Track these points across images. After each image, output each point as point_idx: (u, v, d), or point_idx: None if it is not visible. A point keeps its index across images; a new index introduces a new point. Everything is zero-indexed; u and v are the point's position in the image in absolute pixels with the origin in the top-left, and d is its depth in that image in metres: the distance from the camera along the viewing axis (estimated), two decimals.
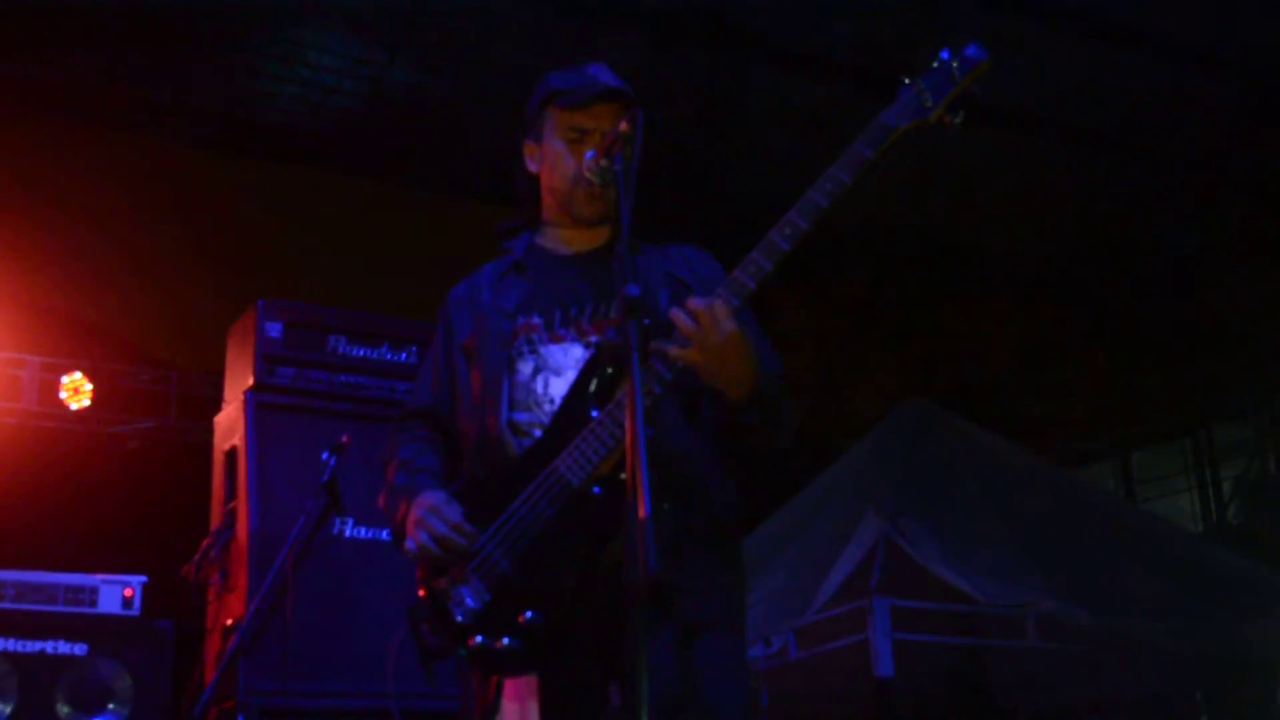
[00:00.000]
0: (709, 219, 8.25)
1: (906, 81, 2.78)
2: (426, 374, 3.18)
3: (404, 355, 5.25)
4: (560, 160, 3.01)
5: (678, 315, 2.62)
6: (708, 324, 2.60)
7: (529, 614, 2.65)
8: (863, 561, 6.70)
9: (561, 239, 3.10)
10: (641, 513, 2.20)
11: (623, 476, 2.69)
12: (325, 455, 4.69)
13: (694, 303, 2.63)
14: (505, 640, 2.67)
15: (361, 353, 5.16)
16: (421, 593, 2.82)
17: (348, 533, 4.86)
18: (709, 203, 8.85)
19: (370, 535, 4.90)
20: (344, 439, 4.68)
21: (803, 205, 2.69)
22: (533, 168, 3.13)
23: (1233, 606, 7.10)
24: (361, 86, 8.00)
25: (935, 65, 2.77)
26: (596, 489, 2.68)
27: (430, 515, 2.76)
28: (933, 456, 7.75)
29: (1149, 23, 7.79)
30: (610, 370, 2.78)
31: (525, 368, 2.92)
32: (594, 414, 2.72)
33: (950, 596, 6.58)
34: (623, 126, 2.75)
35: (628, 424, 2.31)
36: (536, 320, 2.95)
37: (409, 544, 2.80)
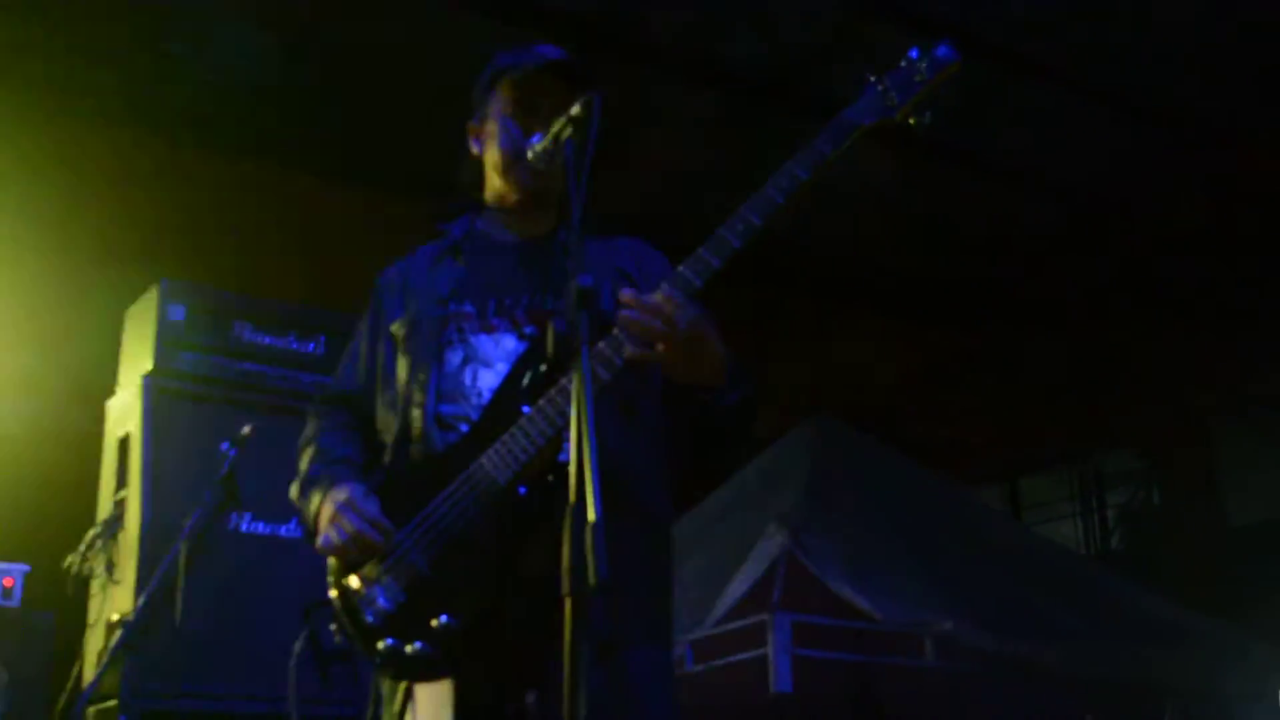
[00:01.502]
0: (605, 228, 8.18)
1: (871, 79, 2.72)
2: (351, 357, 3.04)
3: (310, 345, 5.09)
4: (506, 136, 2.90)
5: (629, 313, 2.50)
6: (669, 315, 2.49)
7: (443, 617, 2.51)
8: (763, 576, 6.66)
9: (503, 223, 2.98)
10: (592, 516, 2.08)
11: (550, 479, 2.59)
12: (225, 446, 4.50)
13: (648, 299, 2.51)
14: (417, 644, 2.52)
15: (267, 341, 4.99)
16: (332, 591, 2.67)
17: (245, 528, 4.69)
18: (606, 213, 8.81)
19: (268, 531, 4.74)
20: (246, 430, 4.50)
21: (757, 202, 2.60)
22: (477, 148, 3.02)
23: (1123, 631, 7.20)
24: (273, 72, 7.79)
25: (902, 64, 2.72)
26: (522, 489, 2.56)
27: (346, 510, 2.62)
28: (835, 473, 7.74)
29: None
30: (545, 364, 2.66)
31: (454, 358, 2.78)
32: (524, 409, 2.59)
33: (850, 614, 6.57)
34: (574, 110, 2.60)
35: (574, 421, 2.19)
36: (469, 308, 2.83)
37: (323, 539, 2.66)
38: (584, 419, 2.17)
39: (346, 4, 7.26)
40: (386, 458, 2.82)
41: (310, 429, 2.99)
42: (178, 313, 4.80)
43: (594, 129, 2.56)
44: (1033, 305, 10.67)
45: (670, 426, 2.82)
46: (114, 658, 4.21)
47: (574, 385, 2.21)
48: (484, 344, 2.78)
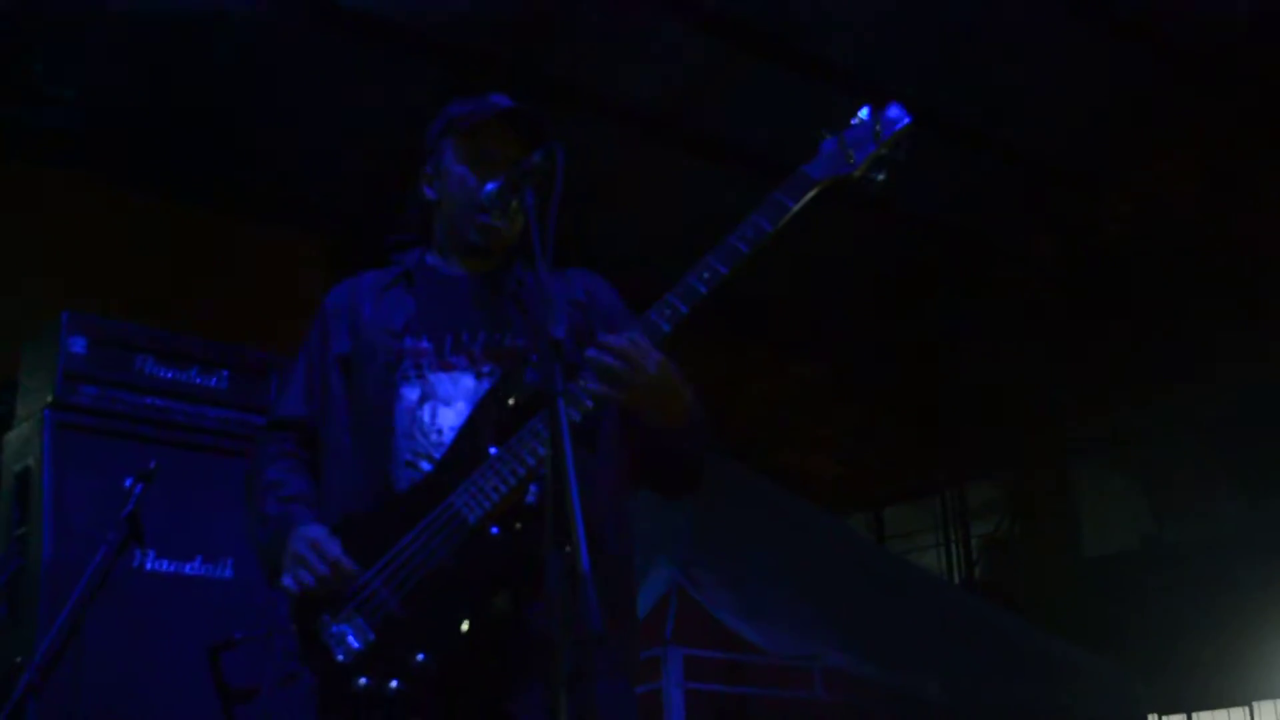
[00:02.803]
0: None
1: (826, 136, 2.81)
2: (297, 382, 2.99)
3: (214, 380, 4.97)
4: (459, 184, 2.92)
5: (598, 356, 2.55)
6: (638, 359, 2.54)
7: (420, 656, 2.52)
8: (654, 610, 6.70)
9: (455, 260, 2.99)
10: (583, 567, 2.09)
11: (518, 526, 2.61)
12: (129, 482, 4.41)
13: (615, 341, 2.56)
14: (394, 683, 2.52)
15: (170, 375, 4.87)
16: (297, 630, 2.65)
17: (149, 566, 4.56)
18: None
19: (173, 569, 4.61)
20: (151, 465, 4.42)
21: (722, 251, 2.67)
22: (430, 195, 3.02)
23: (1001, 661, 7.39)
24: (141, 97, 7.63)
25: (856, 122, 2.81)
26: (494, 529, 2.57)
27: (310, 551, 2.61)
28: (720, 505, 7.79)
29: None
30: (512, 404, 2.68)
31: (411, 394, 2.78)
32: (492, 450, 2.61)
33: (740, 647, 6.64)
34: (536, 159, 2.64)
35: (551, 471, 2.22)
36: (426, 345, 2.83)
37: (287, 580, 2.63)
38: (564, 470, 2.19)
39: (230, 33, 7.19)
40: (341, 493, 2.79)
41: (258, 459, 2.95)
42: (79, 345, 4.67)
43: (559, 179, 2.60)
44: (897, 337, 10.92)
45: (628, 459, 2.85)
46: (17, 702, 4.08)
47: (550, 435, 2.24)
48: (442, 382, 2.79)
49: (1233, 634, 8.54)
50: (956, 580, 11.31)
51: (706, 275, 2.64)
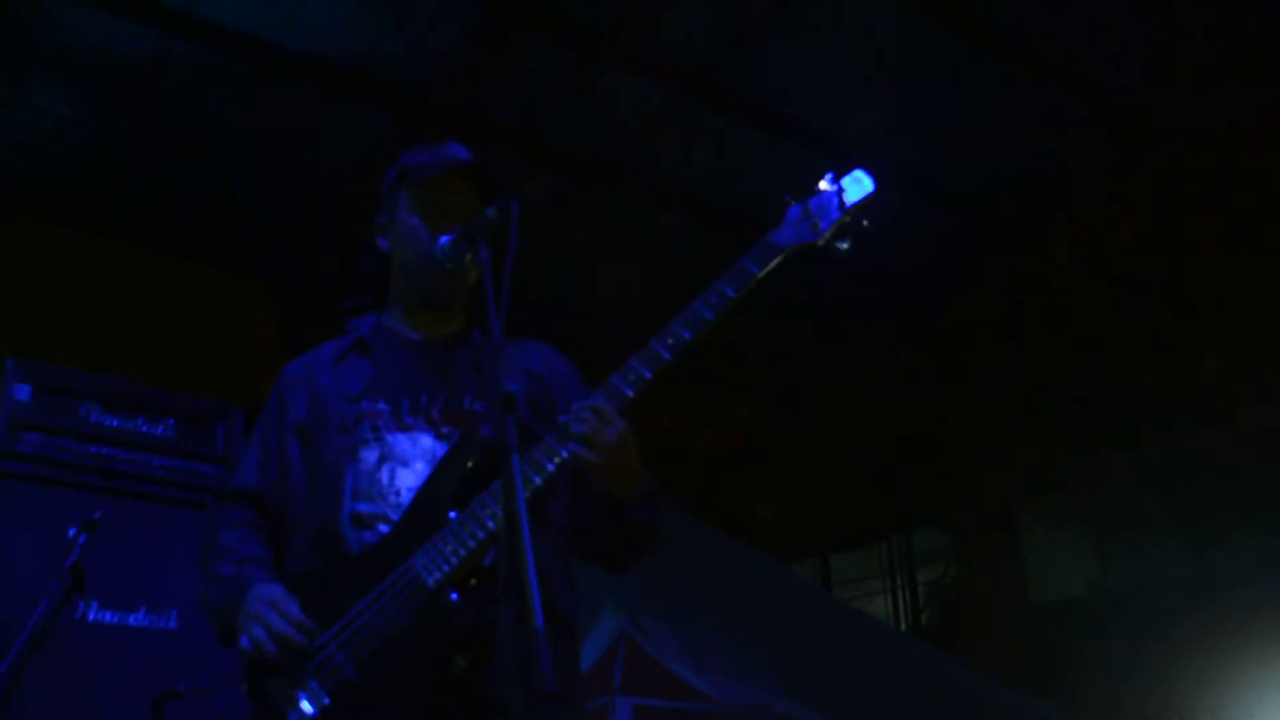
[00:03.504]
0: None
1: (792, 203, 2.84)
2: (252, 454, 2.98)
3: (160, 428, 4.94)
4: (413, 236, 2.91)
5: (570, 419, 2.56)
6: (603, 422, 2.55)
7: None
8: (603, 658, 6.65)
9: (411, 322, 2.99)
10: (534, 624, 2.07)
11: (473, 582, 2.59)
12: (72, 532, 4.35)
13: (587, 402, 2.57)
14: None
15: (115, 423, 4.84)
16: (249, 692, 2.62)
17: (92, 616, 4.51)
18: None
19: (116, 620, 4.57)
20: (97, 515, 4.35)
21: (687, 317, 2.69)
22: (384, 246, 3.02)
23: (947, 708, 7.40)
24: (86, 137, 7.60)
25: (822, 189, 2.84)
26: (454, 595, 2.55)
27: (268, 610, 2.58)
28: (668, 553, 7.72)
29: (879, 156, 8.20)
30: (471, 465, 2.67)
31: (370, 456, 2.76)
32: (451, 514, 2.59)
33: (689, 695, 6.61)
34: (491, 214, 2.65)
35: (505, 526, 2.21)
36: (383, 406, 2.81)
37: (243, 640, 2.59)
38: (518, 524, 2.18)
39: (177, 76, 7.17)
40: (300, 556, 2.77)
41: (212, 528, 2.92)
42: (24, 392, 4.63)
43: (513, 233, 2.61)
44: (844, 384, 10.98)
45: (574, 529, 2.83)
46: None
47: (503, 490, 2.23)
48: (400, 442, 2.77)
49: (1178, 677, 8.60)
50: (904, 626, 11.32)
51: (671, 341, 2.66)
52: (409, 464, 2.74)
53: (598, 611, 6.90)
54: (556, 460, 2.56)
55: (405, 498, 2.70)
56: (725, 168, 8.27)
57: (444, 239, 2.81)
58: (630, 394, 2.62)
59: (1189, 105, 8.13)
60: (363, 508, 2.72)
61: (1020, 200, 9.11)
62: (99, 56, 7.02)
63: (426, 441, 2.76)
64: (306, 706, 2.53)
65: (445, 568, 2.53)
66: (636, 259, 8.86)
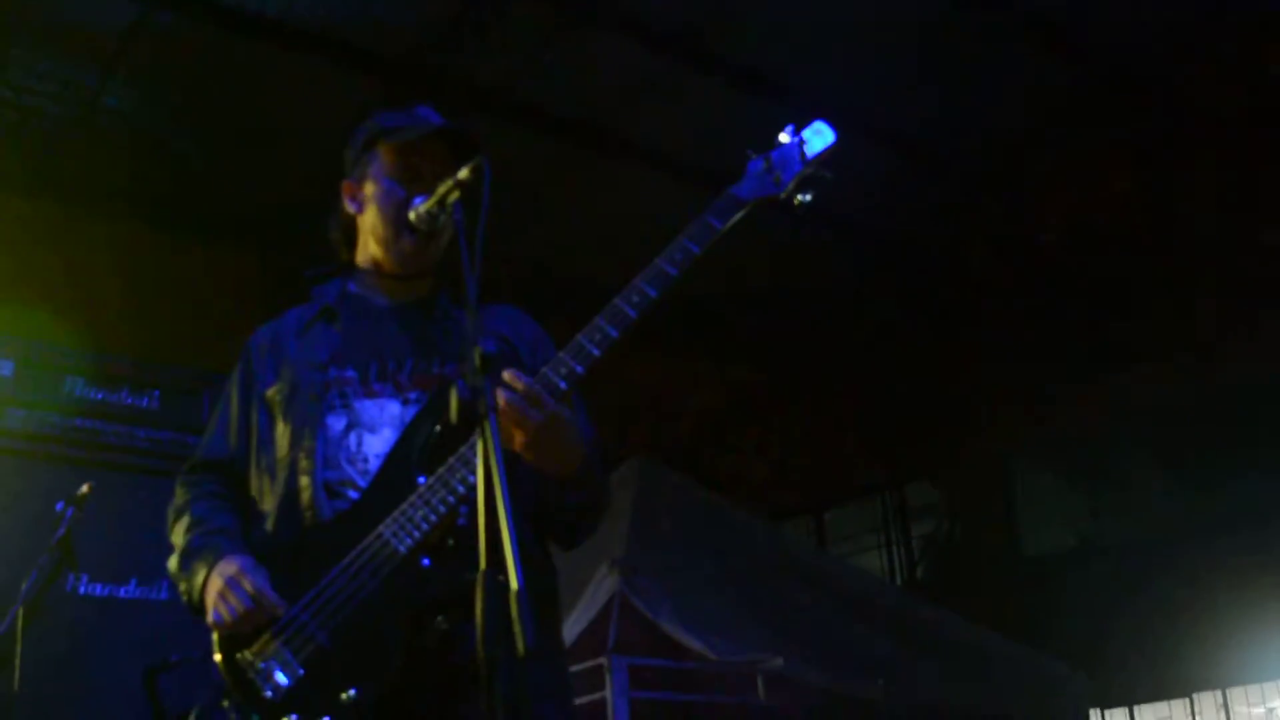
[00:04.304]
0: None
1: (754, 156, 2.82)
2: (221, 423, 2.96)
3: (145, 400, 4.95)
4: (387, 200, 2.88)
5: (501, 393, 2.51)
6: (530, 402, 2.51)
7: (352, 690, 2.48)
8: (597, 619, 6.69)
9: (379, 288, 2.96)
10: (514, 584, 2.05)
11: (450, 543, 2.58)
12: (60, 506, 4.35)
13: (520, 379, 2.53)
14: (325, 719, 2.48)
15: (100, 396, 4.84)
16: (222, 666, 2.60)
17: (82, 589, 4.53)
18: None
19: (106, 592, 4.59)
20: (85, 488, 4.36)
21: (651, 274, 2.67)
22: (353, 208, 2.98)
23: (943, 662, 7.45)
24: (70, 112, 7.55)
25: (783, 142, 2.83)
26: (425, 560, 2.54)
27: (234, 583, 2.57)
28: (659, 513, 7.82)
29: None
30: (439, 430, 2.65)
31: (337, 423, 2.75)
32: (420, 479, 2.57)
33: (683, 654, 6.65)
34: (462, 174, 2.62)
35: (481, 485, 2.19)
36: (350, 374, 2.80)
37: (213, 615, 2.58)
38: (496, 483, 2.17)
39: (153, 45, 7.12)
40: (268, 525, 2.75)
41: (180, 498, 2.90)
42: (6, 368, 4.63)
43: (485, 194, 2.59)
44: (833, 343, 10.98)
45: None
46: None
47: (481, 450, 2.22)
48: (368, 409, 2.76)
49: (1171, 627, 8.64)
50: (899, 581, 11.36)
51: (636, 299, 2.64)
52: (376, 430, 2.73)
53: (591, 572, 6.94)
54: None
55: (373, 464, 2.68)
56: (708, 129, 8.23)
57: (418, 200, 2.79)
58: (597, 353, 2.60)
59: (1175, 54, 8.09)
60: (331, 475, 2.71)
61: (1006, 155, 9.08)
62: (81, 28, 6.97)
63: (394, 408, 2.75)
64: (281, 677, 2.53)
65: (416, 534, 2.53)
66: (621, 222, 8.83)
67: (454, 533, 2.57)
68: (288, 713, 2.50)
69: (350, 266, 3.03)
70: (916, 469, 11.47)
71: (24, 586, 4.19)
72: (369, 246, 2.97)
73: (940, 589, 10.68)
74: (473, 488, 2.48)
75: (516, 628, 2.02)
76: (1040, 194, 9.40)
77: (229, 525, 2.80)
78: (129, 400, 4.91)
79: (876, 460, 11.58)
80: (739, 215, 2.76)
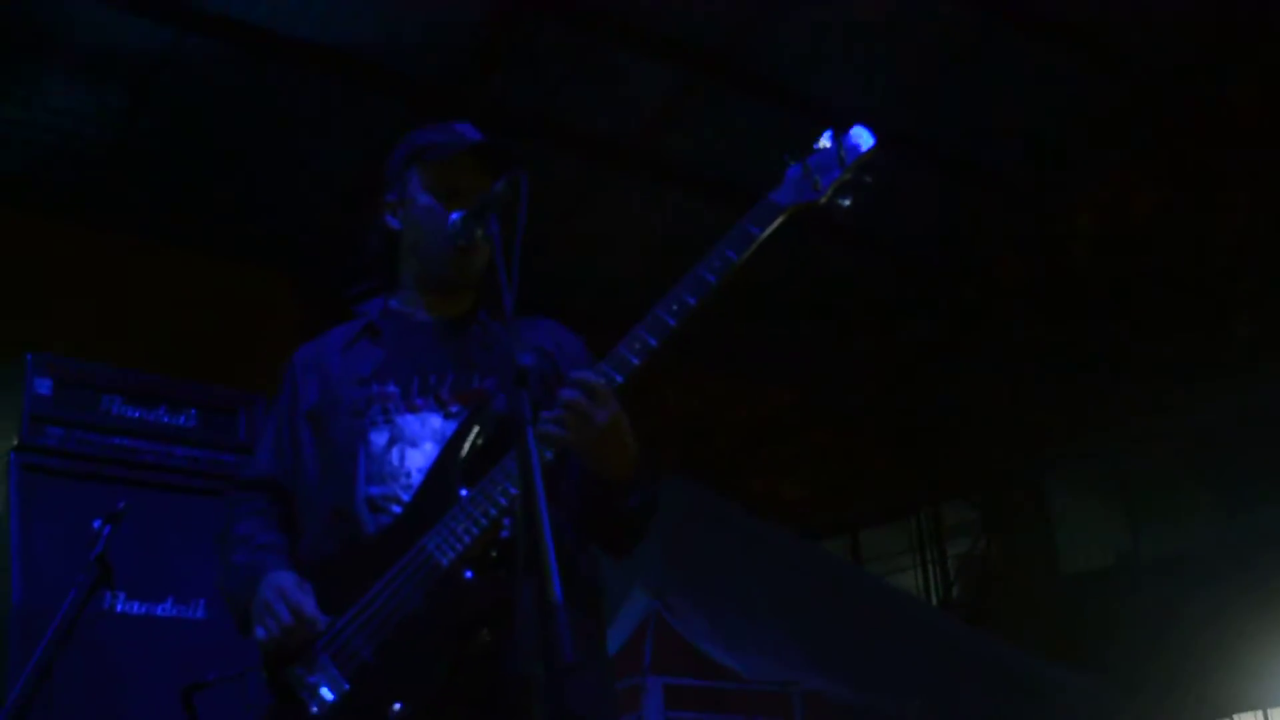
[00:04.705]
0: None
1: (792, 162, 2.77)
2: (267, 441, 2.97)
3: (182, 419, 4.95)
4: (427, 217, 2.88)
5: (565, 393, 2.52)
6: (594, 403, 2.50)
7: (396, 705, 2.46)
8: (632, 638, 6.67)
9: (419, 303, 2.96)
10: (553, 598, 2.03)
11: (494, 555, 2.57)
12: (97, 524, 4.35)
13: (586, 377, 2.53)
14: None
15: (137, 414, 4.84)
16: (271, 683, 2.61)
17: (119, 608, 4.52)
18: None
19: (144, 610, 4.58)
20: (120, 506, 4.36)
21: (690, 282, 2.63)
22: (394, 225, 2.99)
23: (979, 681, 7.39)
24: (104, 136, 7.62)
25: (821, 147, 2.77)
26: (468, 573, 2.52)
27: (278, 600, 2.57)
28: (693, 532, 7.78)
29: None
30: (481, 442, 2.65)
31: (380, 439, 2.75)
32: (462, 491, 2.56)
33: (719, 674, 6.62)
34: (499, 189, 2.62)
35: (523, 500, 2.17)
36: (392, 389, 2.80)
37: (258, 631, 2.59)
38: (534, 497, 2.17)
39: (187, 70, 7.18)
40: (314, 541, 2.76)
41: (228, 516, 2.92)
42: (45, 386, 4.64)
43: (522, 209, 2.59)
44: (869, 360, 10.94)
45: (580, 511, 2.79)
46: None
47: (519, 463, 2.21)
48: (410, 424, 2.76)
49: (1211, 646, 8.56)
50: (935, 600, 11.29)
51: (675, 308, 2.61)
52: (418, 444, 2.73)
53: (626, 591, 6.92)
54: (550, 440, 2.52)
55: (415, 479, 2.68)
56: (738, 146, 8.23)
57: (454, 216, 2.79)
58: (636, 363, 2.57)
59: (1211, 66, 8.05)
60: (375, 490, 2.71)
61: (1040, 167, 9.04)
62: (114, 54, 7.04)
63: (435, 421, 2.75)
64: (326, 693, 2.53)
65: (458, 546, 2.51)
66: (651, 241, 8.83)
67: (497, 545, 2.56)
68: None
69: (391, 283, 3.03)
70: (952, 488, 11.40)
71: (62, 605, 4.20)
72: (409, 263, 2.97)
73: (976, 608, 10.60)
74: (515, 499, 2.47)
75: (555, 643, 2.00)
76: (1077, 205, 9.36)
77: (275, 542, 2.81)
78: (166, 419, 4.91)
79: (911, 479, 11.50)
80: (777, 222, 2.71)
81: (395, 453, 2.73)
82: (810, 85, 7.89)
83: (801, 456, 12.31)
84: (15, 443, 4.54)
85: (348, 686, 2.52)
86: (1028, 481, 10.66)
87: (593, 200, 8.66)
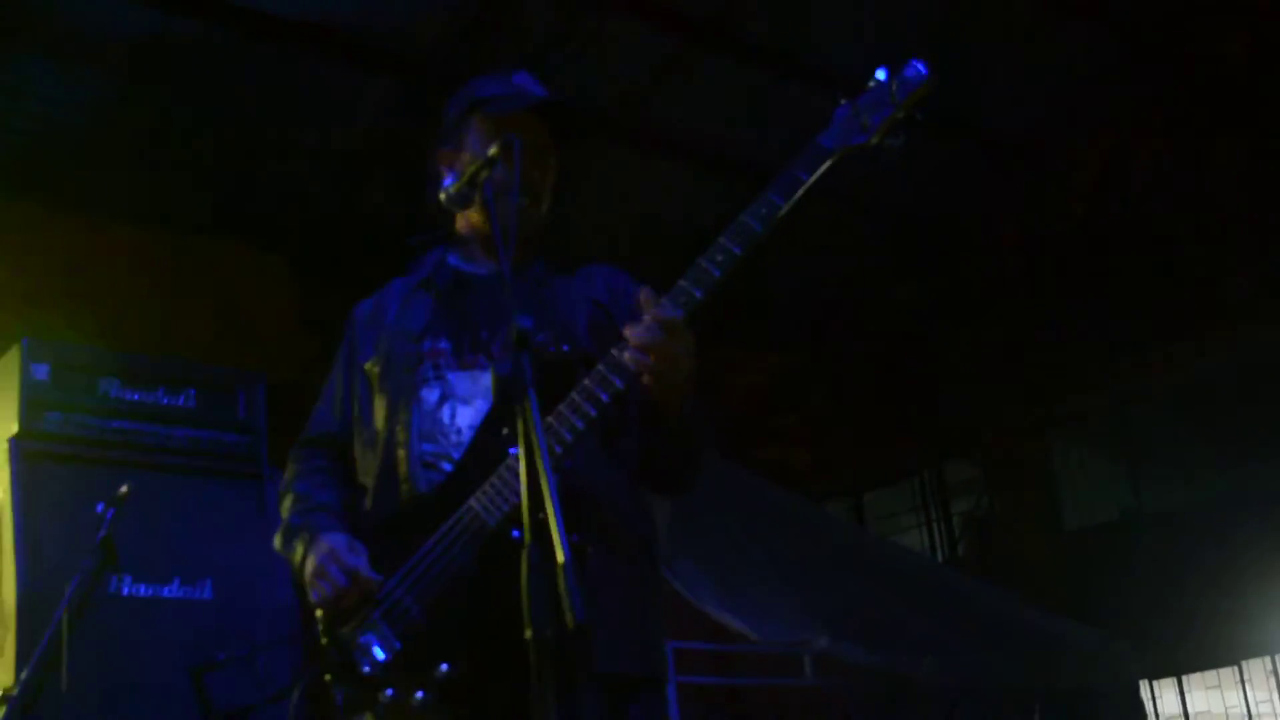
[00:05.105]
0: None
1: (842, 102, 2.66)
2: (327, 397, 2.96)
3: (181, 399, 4.94)
4: None
5: (636, 328, 2.47)
6: (673, 334, 2.47)
7: (444, 666, 2.45)
8: None
9: (474, 258, 2.93)
10: (560, 557, 2.02)
11: (541, 516, 2.55)
12: (100, 507, 4.34)
13: (660, 311, 2.48)
14: (419, 694, 2.46)
15: (135, 397, 4.83)
16: (324, 643, 2.59)
17: (126, 590, 4.53)
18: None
19: (150, 592, 4.59)
20: (123, 490, 4.35)
21: (735, 230, 2.55)
22: (451, 178, 2.96)
23: (986, 636, 7.39)
24: (94, 121, 7.57)
25: (872, 85, 2.66)
26: (515, 532, 2.46)
27: (330, 562, 2.56)
28: (696, 496, 7.74)
29: None
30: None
31: (431, 396, 2.73)
32: (512, 450, 2.49)
33: (728, 637, 6.61)
34: (491, 151, 2.57)
35: (524, 461, 2.14)
36: (444, 345, 2.77)
37: (313, 594, 2.58)
38: (537, 459, 2.13)
39: (180, 51, 7.13)
40: (368, 499, 2.76)
41: (289, 474, 2.92)
42: (42, 372, 4.62)
43: (517, 172, 2.55)
44: (865, 323, 10.93)
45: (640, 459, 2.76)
46: None
47: (521, 426, 2.18)
48: (461, 381, 2.73)
49: (1217, 595, 8.56)
50: (940, 559, 11.29)
51: (720, 258, 2.53)
52: (470, 402, 2.70)
53: None
54: (610, 390, 2.49)
55: (466, 436, 2.65)
56: (731, 115, 8.19)
57: (447, 180, 2.74)
58: (681, 314, 2.50)
59: (1207, 19, 8.00)
60: (427, 448, 2.69)
61: (1038, 127, 9.01)
62: (102, 39, 6.99)
63: (486, 379, 2.71)
64: (378, 652, 2.52)
65: (505, 506, 2.48)
66: (642, 210, 8.81)
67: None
68: (384, 688, 2.49)
69: (450, 236, 3.00)
70: (955, 446, 11.38)
71: (68, 589, 4.19)
72: (467, 215, 2.93)
73: (981, 566, 10.61)
74: (560, 459, 2.44)
75: (564, 602, 1.98)
76: (1073, 163, 9.33)
77: (329, 501, 2.80)
78: (165, 400, 4.90)
79: (914, 439, 11.48)
80: (826, 165, 2.59)
81: (446, 410, 2.71)
82: (800, 47, 7.83)
83: (804, 420, 12.30)
84: (15, 429, 4.53)
85: (399, 645, 2.51)
86: (1030, 438, 10.63)
87: (585, 170, 8.62)
